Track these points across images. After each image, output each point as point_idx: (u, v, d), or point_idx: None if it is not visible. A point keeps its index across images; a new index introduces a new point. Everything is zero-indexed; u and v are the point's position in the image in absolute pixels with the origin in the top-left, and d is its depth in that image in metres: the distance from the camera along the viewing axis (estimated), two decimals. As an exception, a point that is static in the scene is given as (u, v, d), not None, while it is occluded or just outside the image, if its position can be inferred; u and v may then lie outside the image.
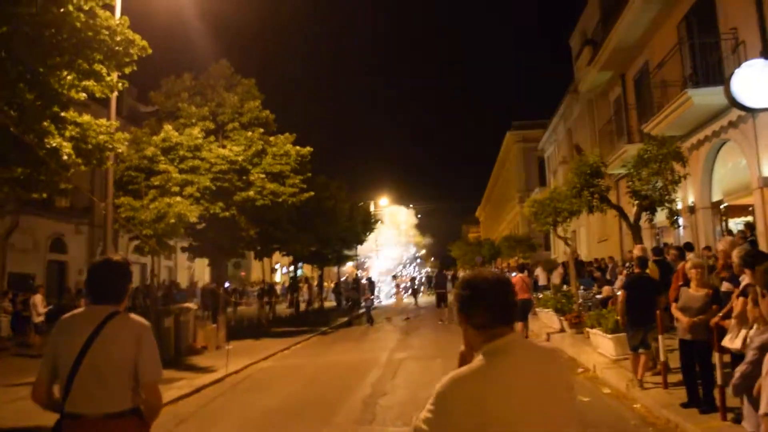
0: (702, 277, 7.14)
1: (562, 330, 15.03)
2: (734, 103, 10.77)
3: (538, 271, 23.33)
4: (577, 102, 27.43)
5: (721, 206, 14.45)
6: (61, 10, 7.73)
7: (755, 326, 4.91)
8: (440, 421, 1.91)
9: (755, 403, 3.29)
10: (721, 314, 6.13)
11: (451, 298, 24.05)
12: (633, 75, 19.62)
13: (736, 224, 14.25)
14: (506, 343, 2.01)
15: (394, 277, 40.25)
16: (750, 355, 3.42)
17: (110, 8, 9.44)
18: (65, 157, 8.67)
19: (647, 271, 8.69)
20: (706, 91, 12.46)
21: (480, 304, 2.05)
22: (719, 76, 12.55)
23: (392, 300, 34.14)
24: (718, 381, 6.22)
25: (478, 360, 2.00)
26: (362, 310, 25.35)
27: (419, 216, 69.82)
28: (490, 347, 2.01)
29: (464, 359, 2.16)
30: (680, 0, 15.10)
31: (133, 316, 3.24)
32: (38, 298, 15.75)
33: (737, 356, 5.61)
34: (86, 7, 8.06)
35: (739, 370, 3.45)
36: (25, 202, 18.27)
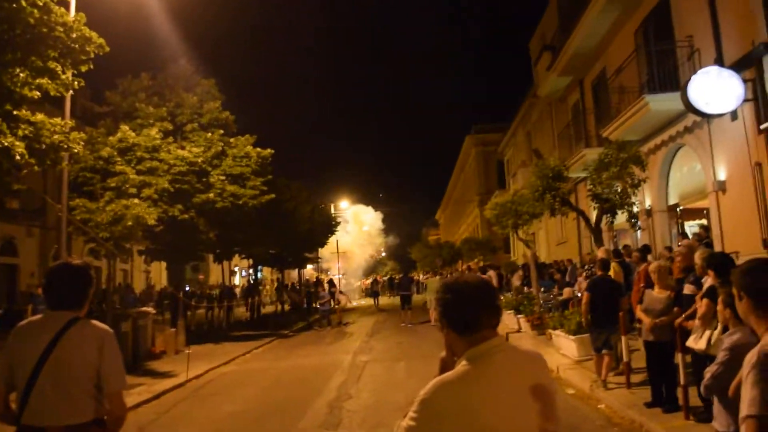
0: (663, 279, 7.26)
1: (519, 330, 15.36)
2: (691, 108, 11.04)
3: (491, 273, 23.44)
4: (536, 106, 27.79)
5: (677, 209, 14.78)
6: (14, 5, 7.45)
7: (719, 327, 5.00)
8: (425, 428, 1.86)
9: (727, 404, 3.32)
10: (684, 316, 6.23)
11: (416, 299, 24.04)
12: (591, 81, 19.97)
13: (690, 227, 14.61)
14: (490, 348, 1.97)
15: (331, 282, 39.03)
16: (721, 356, 3.46)
17: (65, 4, 9.16)
18: (18, 157, 8.34)
19: (610, 273, 8.81)
20: (663, 96, 12.74)
21: (463, 308, 2.01)
22: (675, 83, 12.83)
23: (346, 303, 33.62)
24: (681, 381, 6.32)
25: (463, 365, 1.95)
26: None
27: (384, 218, 69.87)
28: (474, 352, 1.96)
29: (445, 365, 2.10)
30: (637, 8, 15.42)
31: (95, 322, 3.10)
32: (-13, 304, 15.20)
33: (700, 357, 5.71)
34: (40, 3, 7.78)
35: (710, 371, 3.48)
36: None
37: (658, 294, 7.10)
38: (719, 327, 4.95)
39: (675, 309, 6.85)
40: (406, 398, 8.95)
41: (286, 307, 31.62)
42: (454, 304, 2.02)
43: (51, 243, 23.90)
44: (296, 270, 39.31)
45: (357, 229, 65.00)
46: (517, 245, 32.15)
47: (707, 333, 5.23)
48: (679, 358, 6.48)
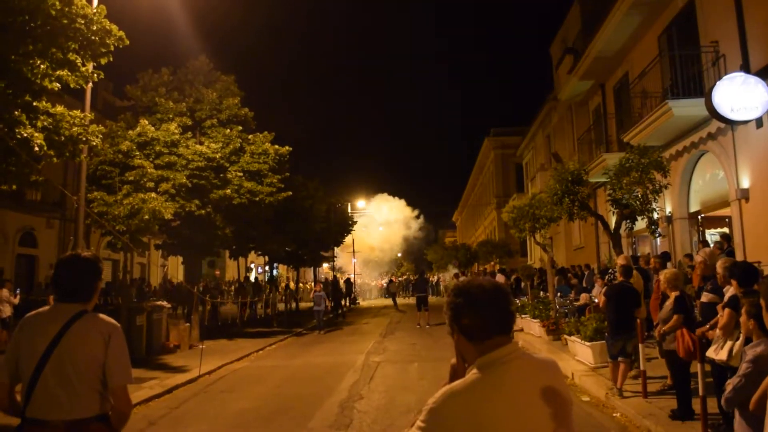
0: (674, 287, 7.07)
1: (519, 329, 15.49)
2: (715, 115, 10.88)
3: (500, 277, 23.31)
4: (557, 110, 27.57)
5: (699, 217, 14.56)
6: (36, -4, 7.47)
7: (741, 338, 4.86)
8: None
9: (748, 418, 3.21)
10: (709, 325, 6.08)
11: (433, 301, 23.78)
12: (613, 85, 19.74)
13: (711, 235, 14.38)
14: (503, 355, 1.87)
15: (348, 282, 38.27)
16: (743, 368, 3.34)
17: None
18: (36, 149, 8.38)
19: (630, 280, 8.65)
20: (687, 102, 12.55)
21: (474, 312, 1.91)
22: (699, 88, 12.64)
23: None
24: (700, 392, 6.17)
25: (473, 373, 1.85)
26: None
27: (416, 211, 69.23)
28: (486, 359, 1.86)
29: (456, 373, 2.01)
30: (661, 12, 15.21)
31: (102, 315, 3.05)
32: (5, 293, 15.32)
33: (720, 367, 5.57)
34: (62, -6, 7.80)
35: (732, 383, 3.37)
36: (-6, 194, 17.77)
37: (668, 303, 6.98)
38: (741, 338, 4.82)
39: (675, 317, 6.73)
40: (418, 400, 8.87)
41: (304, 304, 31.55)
42: (465, 309, 1.92)
43: (70, 235, 24.08)
44: (312, 268, 39.30)
45: (386, 222, 64.09)
46: (534, 249, 31.91)
47: (728, 344, 5.10)
48: (698, 367, 6.33)
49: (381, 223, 62.41)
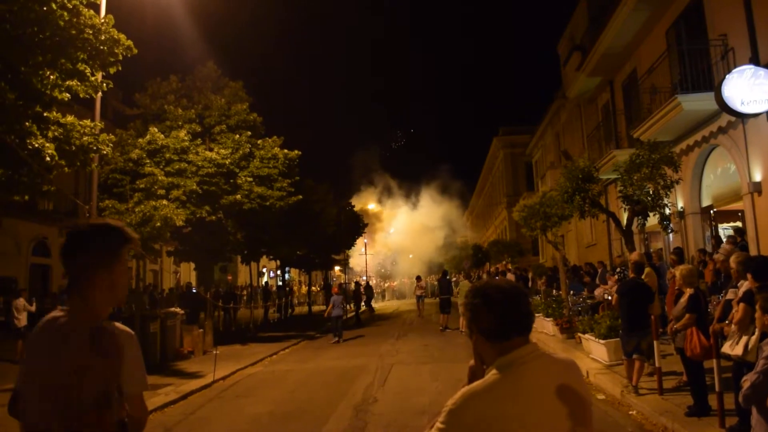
0: (688, 283, 7.03)
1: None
2: (726, 108, 10.81)
3: (510, 276, 23.28)
4: (565, 107, 27.46)
5: (711, 211, 14.46)
6: (44, 8, 7.54)
7: (756, 333, 4.82)
8: None
9: (767, 415, 3.19)
10: (726, 322, 6.04)
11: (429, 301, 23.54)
12: (621, 81, 19.65)
13: (724, 229, 14.27)
14: (522, 356, 1.87)
15: (357, 285, 37.60)
16: (761, 365, 3.31)
17: (95, 7, 9.26)
18: (48, 159, 8.47)
19: (644, 277, 8.61)
20: (696, 96, 12.47)
21: (493, 313, 1.91)
22: (708, 82, 12.56)
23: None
24: (717, 387, 6.12)
25: (492, 374, 1.86)
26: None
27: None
28: (505, 360, 1.87)
29: (474, 374, 2.01)
30: (669, 7, 15.13)
31: (116, 324, 3.06)
32: (20, 303, 15.44)
33: (736, 363, 5.52)
34: (70, 5, 7.87)
35: (750, 380, 3.34)
36: (6, 205, 17.91)
37: (682, 300, 6.95)
38: (757, 332, 4.78)
39: (686, 315, 6.70)
40: (432, 402, 8.86)
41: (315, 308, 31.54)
42: (483, 310, 1.93)
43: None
44: (323, 271, 39.41)
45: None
46: (546, 248, 31.80)
47: (744, 338, 5.05)
48: (714, 363, 6.28)
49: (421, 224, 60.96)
